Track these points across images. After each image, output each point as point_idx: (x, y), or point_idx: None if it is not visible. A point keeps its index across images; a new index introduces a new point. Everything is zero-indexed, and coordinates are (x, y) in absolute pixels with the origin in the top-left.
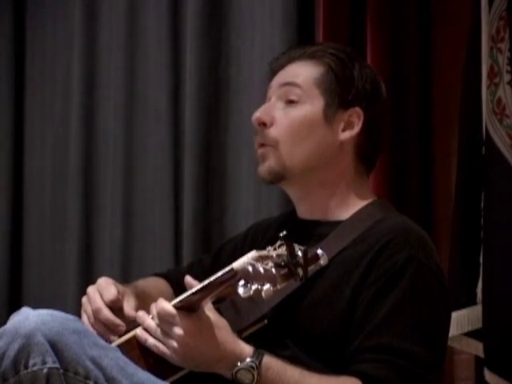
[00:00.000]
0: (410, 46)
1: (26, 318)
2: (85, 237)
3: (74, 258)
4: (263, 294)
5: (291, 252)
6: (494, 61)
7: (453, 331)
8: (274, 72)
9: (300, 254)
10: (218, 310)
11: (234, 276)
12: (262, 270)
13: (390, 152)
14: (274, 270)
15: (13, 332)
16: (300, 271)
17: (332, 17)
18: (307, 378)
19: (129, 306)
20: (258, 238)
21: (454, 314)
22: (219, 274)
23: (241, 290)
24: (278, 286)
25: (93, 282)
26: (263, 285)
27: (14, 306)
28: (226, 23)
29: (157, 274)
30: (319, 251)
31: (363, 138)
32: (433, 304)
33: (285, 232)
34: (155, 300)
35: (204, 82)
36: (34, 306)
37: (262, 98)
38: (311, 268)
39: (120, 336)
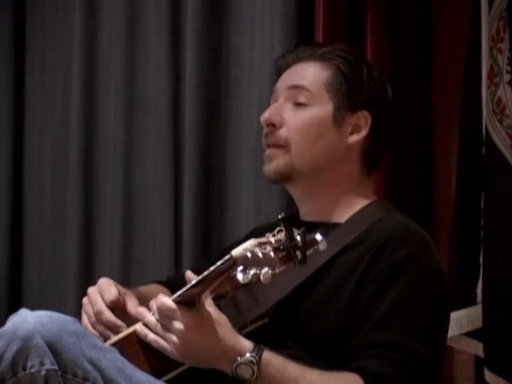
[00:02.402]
0: (410, 46)
1: (25, 319)
2: (85, 237)
3: (74, 258)
4: (262, 277)
5: (290, 235)
6: (494, 61)
7: (453, 331)
8: (280, 70)
9: (298, 237)
10: (219, 307)
11: (234, 264)
12: (260, 254)
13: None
14: (272, 254)
15: (11, 333)
16: (299, 254)
17: (332, 17)
18: (308, 374)
19: (132, 305)
20: None
21: (454, 314)
22: (218, 263)
23: (240, 276)
24: (277, 270)
25: (93, 282)
26: (262, 269)
27: (14, 306)
28: (226, 23)
29: (158, 282)
30: (318, 236)
31: (369, 142)
32: (432, 301)
33: (283, 214)
34: None
35: (204, 81)
36: (34, 306)
37: (262, 98)
38: (310, 252)
39: None
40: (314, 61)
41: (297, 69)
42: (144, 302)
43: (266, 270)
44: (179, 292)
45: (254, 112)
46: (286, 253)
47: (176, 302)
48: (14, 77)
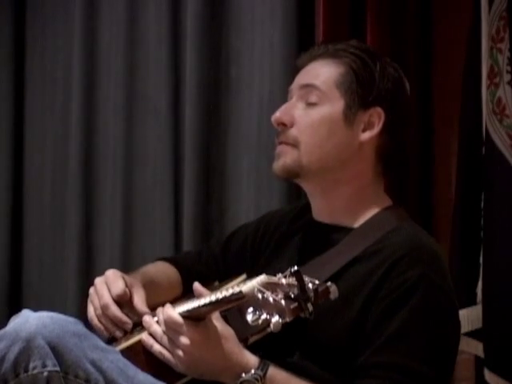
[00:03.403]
0: (409, 46)
1: (27, 320)
2: (85, 237)
3: (74, 258)
4: (272, 326)
5: (302, 287)
6: (493, 61)
7: None
8: (297, 70)
9: (311, 287)
10: (225, 318)
11: (242, 298)
12: (271, 299)
13: None
14: (283, 303)
15: (13, 335)
16: (310, 306)
17: (332, 17)
18: None
19: (139, 299)
20: (269, 231)
21: None
22: (228, 293)
23: (249, 317)
24: (287, 319)
25: (93, 282)
26: (272, 315)
27: (14, 307)
28: (226, 23)
29: (165, 259)
30: (329, 284)
31: (384, 139)
32: (442, 324)
33: (296, 268)
34: (164, 289)
35: (204, 82)
36: (34, 306)
37: (262, 98)
38: (321, 301)
39: (126, 332)
40: (327, 58)
41: (310, 68)
42: (152, 286)
43: (276, 318)
44: (187, 308)
45: (253, 112)
46: (297, 304)
47: (183, 316)
48: (14, 77)
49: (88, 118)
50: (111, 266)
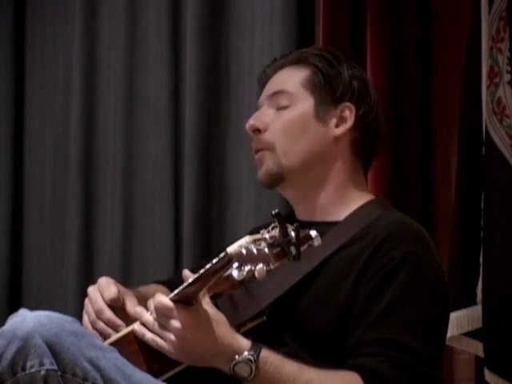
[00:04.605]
0: (409, 46)
1: (24, 319)
2: (85, 237)
3: (74, 258)
4: (256, 273)
5: (283, 231)
6: (493, 61)
7: (453, 331)
8: (262, 85)
9: (292, 232)
10: (216, 305)
11: (229, 261)
12: (255, 251)
13: (389, 152)
14: (266, 250)
15: (10, 334)
16: (293, 250)
17: (332, 17)
18: (305, 372)
19: (131, 305)
20: None
21: (454, 314)
22: (214, 261)
23: (235, 273)
24: (272, 266)
25: (93, 282)
26: (256, 265)
27: (14, 306)
28: (226, 23)
29: (158, 282)
30: (312, 232)
31: (358, 134)
32: (431, 299)
33: (277, 210)
34: None
35: (204, 82)
36: (34, 306)
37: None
38: (304, 248)
39: None
40: (292, 65)
41: (276, 78)
42: (144, 302)
43: (260, 266)
44: (176, 291)
45: (253, 112)
46: (281, 249)
47: (173, 300)
48: (14, 77)
49: (88, 118)
50: (111, 266)
